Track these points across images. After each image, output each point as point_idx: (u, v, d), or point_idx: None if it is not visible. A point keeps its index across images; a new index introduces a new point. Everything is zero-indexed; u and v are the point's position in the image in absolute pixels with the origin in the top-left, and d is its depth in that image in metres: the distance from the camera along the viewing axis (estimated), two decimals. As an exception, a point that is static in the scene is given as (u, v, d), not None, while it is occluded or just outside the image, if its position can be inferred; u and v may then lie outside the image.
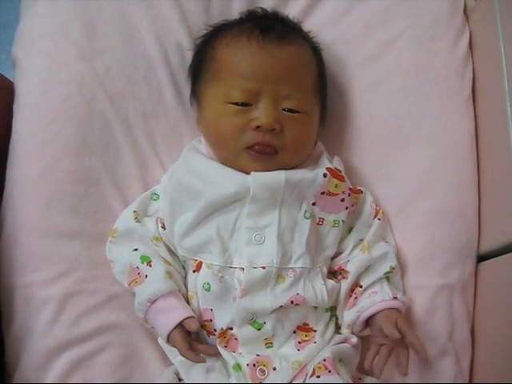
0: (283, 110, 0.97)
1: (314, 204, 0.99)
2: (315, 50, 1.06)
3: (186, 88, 1.10)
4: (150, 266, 0.98)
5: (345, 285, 1.01)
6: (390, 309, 0.97)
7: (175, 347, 0.94)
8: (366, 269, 1.01)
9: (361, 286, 1.01)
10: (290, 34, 1.00)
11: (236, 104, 0.96)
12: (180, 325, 0.94)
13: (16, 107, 1.06)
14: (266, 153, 0.96)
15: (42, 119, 1.04)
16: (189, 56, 1.10)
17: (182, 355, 0.93)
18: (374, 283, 1.00)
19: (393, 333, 0.91)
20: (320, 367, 0.93)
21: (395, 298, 0.98)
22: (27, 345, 0.99)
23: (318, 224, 1.00)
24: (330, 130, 1.10)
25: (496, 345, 1.00)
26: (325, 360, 0.93)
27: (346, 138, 1.12)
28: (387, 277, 1.01)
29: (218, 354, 0.96)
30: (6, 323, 1.01)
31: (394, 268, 1.01)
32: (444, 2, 1.11)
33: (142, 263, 0.98)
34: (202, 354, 0.93)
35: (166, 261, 1.00)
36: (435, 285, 1.03)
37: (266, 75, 0.95)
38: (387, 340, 0.94)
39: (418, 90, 1.09)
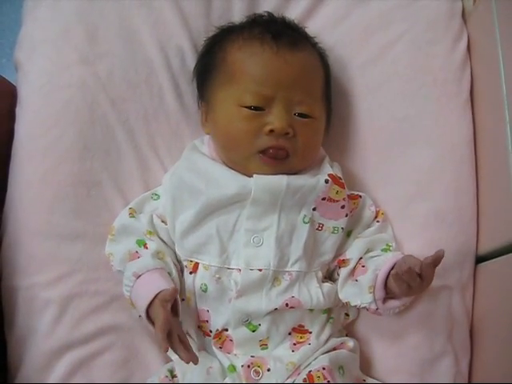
0: (294, 114, 0.98)
1: (314, 209, 0.99)
2: (321, 56, 1.07)
3: (186, 91, 1.11)
4: (147, 248, 0.99)
5: (345, 270, 1.00)
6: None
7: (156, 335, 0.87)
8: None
9: (361, 258, 1.01)
10: (301, 40, 1.02)
11: (249, 108, 0.96)
12: (157, 302, 0.89)
13: (18, 111, 1.07)
14: (279, 157, 0.97)
15: (45, 123, 1.05)
16: (190, 59, 1.11)
17: (156, 333, 0.86)
18: (376, 256, 1.00)
19: (415, 262, 0.88)
20: (319, 376, 0.93)
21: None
22: (29, 346, 1.00)
23: (317, 229, 1.00)
24: (329, 133, 1.10)
25: (495, 345, 1.00)
26: (324, 369, 0.94)
27: (345, 141, 1.13)
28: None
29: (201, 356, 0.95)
30: (9, 324, 1.02)
31: (390, 245, 1.02)
32: (442, 5, 1.11)
33: (140, 246, 0.99)
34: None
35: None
36: (434, 286, 1.03)
37: (279, 80, 0.96)
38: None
39: (417, 93, 1.09)
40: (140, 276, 0.94)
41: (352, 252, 1.02)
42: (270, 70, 0.97)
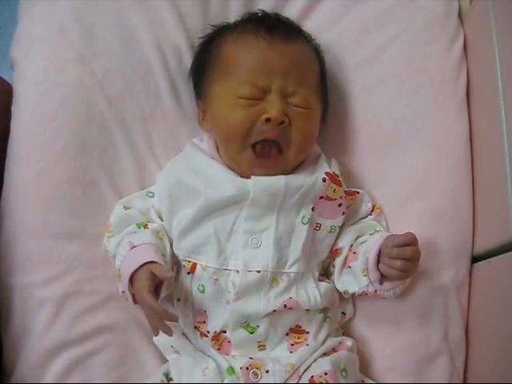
0: (290, 104, 0.98)
1: (313, 209, 0.99)
2: (316, 50, 1.07)
3: (183, 90, 1.11)
4: (147, 228, 0.99)
5: (339, 260, 1.01)
6: None
7: (139, 293, 0.88)
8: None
9: (352, 245, 1.01)
10: (295, 33, 1.02)
11: (245, 98, 0.96)
12: (147, 269, 0.89)
13: (14, 109, 1.07)
14: (268, 155, 0.97)
15: (41, 121, 1.04)
16: (186, 58, 1.11)
17: (142, 298, 0.87)
18: (365, 241, 1.01)
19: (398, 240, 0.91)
20: (322, 382, 0.93)
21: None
22: (25, 345, 0.99)
23: (315, 229, 1.00)
24: (326, 132, 1.11)
25: (490, 344, 1.00)
26: (326, 374, 0.94)
27: (342, 140, 1.13)
28: None
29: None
30: (5, 323, 1.01)
31: (378, 230, 1.03)
32: (439, 5, 1.12)
33: (139, 228, 0.99)
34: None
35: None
36: (430, 285, 1.04)
37: (274, 71, 0.97)
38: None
39: (413, 92, 1.10)
40: (135, 247, 0.94)
41: (343, 240, 1.02)
42: (265, 61, 0.97)
